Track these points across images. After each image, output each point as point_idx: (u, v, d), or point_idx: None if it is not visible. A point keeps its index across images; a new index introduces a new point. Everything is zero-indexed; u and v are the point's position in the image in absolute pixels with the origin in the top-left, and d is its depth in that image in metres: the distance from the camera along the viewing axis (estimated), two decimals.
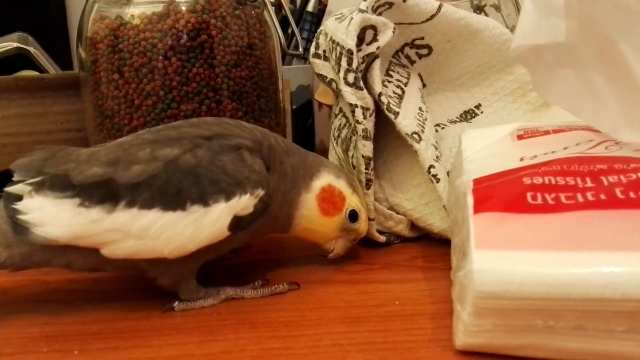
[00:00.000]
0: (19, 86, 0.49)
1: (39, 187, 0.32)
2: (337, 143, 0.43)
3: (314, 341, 0.30)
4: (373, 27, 0.38)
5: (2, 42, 0.55)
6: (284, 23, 0.56)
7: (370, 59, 0.39)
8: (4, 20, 0.66)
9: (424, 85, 0.44)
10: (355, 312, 0.33)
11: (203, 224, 0.32)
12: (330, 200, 0.37)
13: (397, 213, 0.42)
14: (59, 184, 0.32)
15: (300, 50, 0.48)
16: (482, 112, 0.44)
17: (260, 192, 0.33)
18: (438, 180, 0.39)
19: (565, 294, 0.26)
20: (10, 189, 0.32)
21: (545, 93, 0.32)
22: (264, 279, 0.37)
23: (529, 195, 0.29)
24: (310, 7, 0.66)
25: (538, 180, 0.30)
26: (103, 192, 0.31)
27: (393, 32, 0.39)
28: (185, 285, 0.34)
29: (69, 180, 0.32)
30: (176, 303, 0.34)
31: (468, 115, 0.44)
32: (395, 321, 0.32)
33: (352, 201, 0.37)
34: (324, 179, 0.37)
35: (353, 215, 0.37)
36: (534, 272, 0.26)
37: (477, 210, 0.30)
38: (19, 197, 0.32)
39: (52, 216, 0.31)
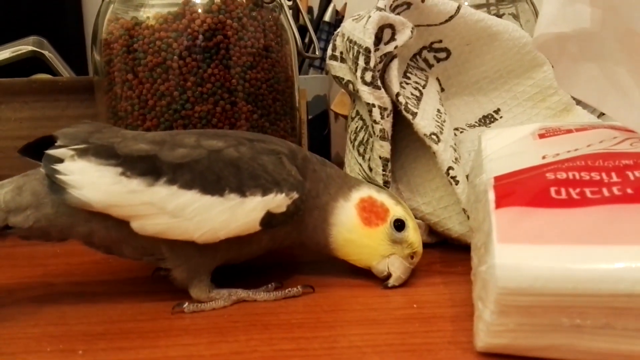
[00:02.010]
0: (32, 89, 0.49)
1: (82, 153, 0.32)
2: (353, 147, 0.43)
3: (329, 343, 0.29)
4: (391, 26, 0.38)
5: (17, 45, 0.55)
6: (302, 32, 0.55)
7: (388, 58, 0.38)
8: (21, 24, 0.66)
9: (442, 90, 0.44)
10: (372, 314, 0.32)
11: (237, 213, 0.32)
12: (371, 210, 0.35)
13: (415, 217, 0.40)
14: (103, 153, 0.32)
15: (317, 53, 0.48)
16: (501, 117, 0.44)
17: (295, 195, 0.33)
18: (457, 183, 0.38)
19: (593, 290, 0.24)
20: (52, 151, 0.32)
21: (568, 86, 0.31)
22: (278, 282, 0.36)
23: (552, 190, 0.28)
24: (327, 17, 0.66)
25: (562, 175, 0.29)
26: (146, 166, 0.32)
27: (411, 32, 0.38)
28: (199, 282, 0.34)
29: (114, 150, 0.32)
30: (186, 304, 0.33)
31: (487, 120, 0.43)
32: (414, 324, 0.31)
33: (397, 211, 0.35)
34: (363, 192, 0.35)
35: (399, 225, 0.35)
36: (560, 267, 0.25)
37: (498, 205, 0.29)
38: (60, 160, 0.32)
39: (91, 180, 0.31)
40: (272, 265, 0.41)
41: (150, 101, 0.41)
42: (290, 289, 0.35)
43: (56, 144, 0.33)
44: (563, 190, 0.28)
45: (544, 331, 0.26)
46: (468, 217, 0.38)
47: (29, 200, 0.32)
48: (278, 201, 0.33)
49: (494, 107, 0.44)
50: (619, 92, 0.30)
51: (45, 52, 0.54)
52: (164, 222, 0.31)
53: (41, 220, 0.32)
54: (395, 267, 0.35)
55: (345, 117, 0.57)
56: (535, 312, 0.25)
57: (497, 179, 0.31)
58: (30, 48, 0.54)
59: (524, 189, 0.29)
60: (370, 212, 0.35)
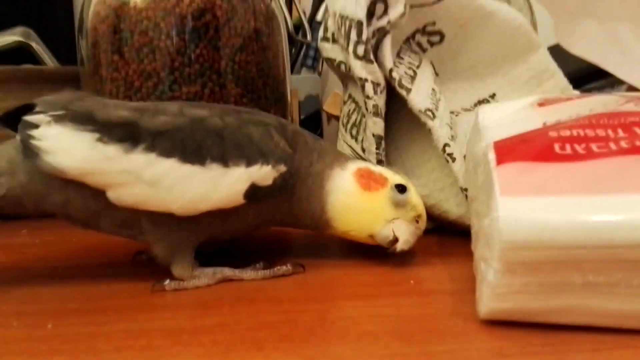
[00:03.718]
0: (17, 78, 0.48)
1: (59, 119, 0.30)
2: (346, 130, 0.41)
3: (319, 314, 0.27)
4: (383, 1, 0.37)
5: (4, 36, 0.54)
6: (296, 31, 0.54)
7: (381, 34, 0.37)
8: (10, 14, 0.65)
9: (437, 75, 0.42)
10: (366, 289, 0.30)
11: (219, 184, 0.30)
12: (369, 177, 0.33)
13: None
14: (81, 118, 0.30)
15: (309, 38, 0.47)
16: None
17: (282, 168, 0.32)
18: (454, 160, 0.36)
19: (606, 241, 0.23)
20: (28, 117, 0.31)
21: (568, 44, 0.30)
22: (266, 262, 0.34)
23: (556, 146, 0.27)
24: (319, 17, 0.66)
25: (565, 132, 0.28)
26: (124, 132, 0.30)
27: (404, 8, 0.37)
28: (181, 259, 0.31)
29: (93, 116, 0.30)
30: (167, 281, 0.31)
31: (482, 105, 0.42)
32: (411, 297, 0.29)
33: (397, 179, 0.33)
34: (359, 164, 0.34)
35: (401, 188, 0.33)
36: (570, 218, 0.23)
37: (500, 162, 0.27)
38: (35, 126, 0.30)
39: (66, 146, 0.30)
40: (260, 247, 0.39)
41: (136, 82, 0.40)
42: (279, 267, 0.33)
43: (34, 111, 0.31)
44: (568, 146, 0.27)
45: (553, 291, 0.24)
46: (466, 197, 0.36)
47: (4, 167, 0.31)
48: (264, 173, 0.31)
49: (490, 92, 0.42)
50: (621, 49, 0.29)
51: (32, 43, 0.53)
52: (141, 192, 0.30)
53: (15, 188, 0.31)
54: (402, 230, 0.33)
55: (338, 118, 0.56)
56: (543, 269, 0.24)
57: (497, 142, 0.30)
58: (16, 38, 0.53)
59: (526, 146, 0.28)
60: (369, 179, 0.33)
